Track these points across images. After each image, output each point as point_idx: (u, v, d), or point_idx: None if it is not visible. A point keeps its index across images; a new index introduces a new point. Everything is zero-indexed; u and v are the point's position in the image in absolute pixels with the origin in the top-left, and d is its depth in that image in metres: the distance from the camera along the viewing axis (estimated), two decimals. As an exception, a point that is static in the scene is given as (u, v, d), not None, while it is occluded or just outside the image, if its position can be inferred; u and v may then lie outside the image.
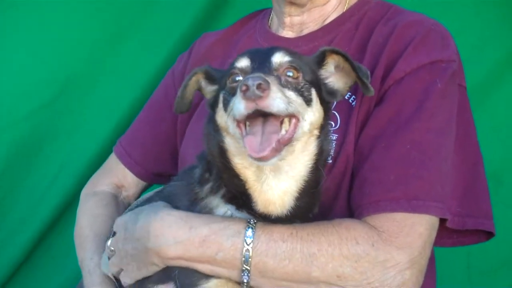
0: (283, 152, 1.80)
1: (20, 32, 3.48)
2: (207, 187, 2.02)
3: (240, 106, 1.75)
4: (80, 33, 3.53)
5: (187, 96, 2.09)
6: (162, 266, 1.98)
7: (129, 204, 2.63)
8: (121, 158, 2.70)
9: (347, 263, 1.88)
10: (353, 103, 2.14)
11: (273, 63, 1.90)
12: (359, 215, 1.99)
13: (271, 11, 2.61)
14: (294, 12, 2.43)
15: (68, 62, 3.54)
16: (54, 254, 3.67)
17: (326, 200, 2.09)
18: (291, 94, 1.84)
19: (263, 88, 1.70)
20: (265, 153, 1.73)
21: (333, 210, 2.11)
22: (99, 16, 3.53)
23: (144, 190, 2.76)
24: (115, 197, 2.66)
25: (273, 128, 1.78)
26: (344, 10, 2.42)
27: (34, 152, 3.60)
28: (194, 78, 2.08)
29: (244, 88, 1.70)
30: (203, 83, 2.11)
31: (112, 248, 2.13)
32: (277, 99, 1.74)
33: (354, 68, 1.96)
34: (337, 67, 2.04)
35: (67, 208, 3.60)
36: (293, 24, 2.45)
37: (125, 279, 2.09)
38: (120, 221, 2.15)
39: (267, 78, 1.73)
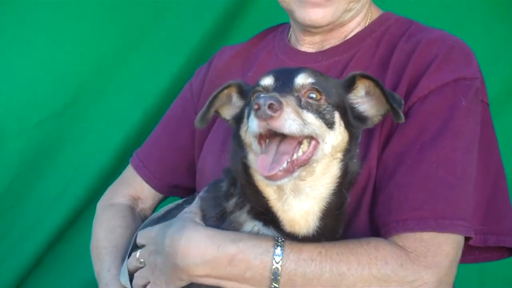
0: (297, 174, 1.84)
1: (31, 42, 3.50)
2: (232, 201, 2.05)
3: (253, 124, 1.80)
4: (91, 43, 3.55)
5: (214, 109, 2.11)
6: (189, 282, 2.01)
7: (145, 217, 2.66)
8: (138, 170, 2.73)
9: (376, 283, 1.92)
10: (372, 125, 2.15)
11: (296, 84, 1.94)
12: (386, 233, 2.02)
13: (289, 26, 2.64)
14: (313, 35, 2.46)
15: (79, 71, 3.56)
16: (63, 263, 3.69)
17: (347, 214, 2.12)
18: (309, 116, 1.88)
19: (274, 108, 1.74)
20: (273, 172, 1.77)
21: (353, 225, 2.14)
22: (110, 26, 3.55)
23: (160, 202, 2.79)
24: (132, 209, 2.69)
25: (287, 148, 1.83)
26: (365, 26, 2.46)
27: (44, 161, 3.62)
28: (226, 91, 2.12)
29: (256, 107, 1.75)
30: (235, 96, 2.14)
31: (142, 260, 2.15)
32: (289, 120, 1.78)
33: (384, 94, 1.99)
34: (367, 92, 2.08)
35: (77, 217, 3.62)
36: (314, 42, 2.49)
37: None
38: (149, 233, 2.17)
39: (281, 99, 1.77)
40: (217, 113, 2.15)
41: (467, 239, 2.09)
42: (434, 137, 2.06)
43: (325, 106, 1.94)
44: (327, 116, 1.93)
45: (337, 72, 2.35)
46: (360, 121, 2.06)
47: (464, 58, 2.21)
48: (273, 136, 1.83)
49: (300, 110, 1.85)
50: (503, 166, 2.29)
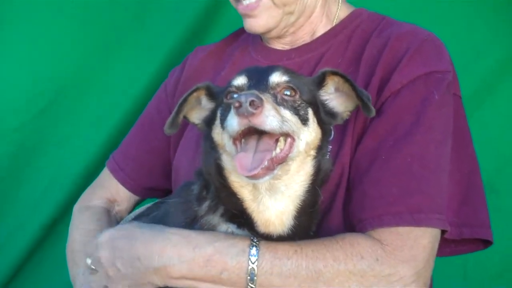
0: (277, 171, 1.85)
1: (9, 44, 3.52)
2: (205, 205, 2.05)
3: (233, 122, 1.79)
4: (70, 45, 3.56)
5: (183, 114, 2.10)
6: (159, 285, 2.00)
7: (121, 219, 2.66)
8: (114, 173, 2.73)
9: (353, 278, 1.93)
10: (341, 121, 2.16)
11: (270, 82, 1.95)
12: (362, 229, 2.03)
13: None
14: (278, 38, 2.50)
15: (58, 74, 3.57)
16: (45, 267, 3.70)
17: (320, 211, 2.13)
18: (286, 113, 1.89)
19: (256, 105, 1.75)
20: (256, 171, 1.77)
21: (327, 222, 2.15)
22: (90, 27, 3.57)
23: (136, 204, 2.79)
24: (108, 211, 2.69)
25: (267, 146, 1.83)
26: (334, 23, 2.48)
27: (24, 164, 3.64)
28: (195, 94, 2.12)
29: (237, 104, 1.75)
30: (204, 99, 2.14)
31: (93, 267, 2.12)
32: (270, 117, 1.78)
33: (354, 89, 2.00)
34: (337, 89, 2.09)
35: (58, 220, 3.63)
36: (283, 43, 2.52)
37: None
38: (104, 238, 2.12)
39: (261, 96, 1.78)
40: (185, 118, 2.14)
41: (443, 232, 2.10)
42: (407, 131, 2.08)
43: (299, 103, 1.96)
44: (302, 113, 1.95)
45: (310, 68, 2.36)
46: (331, 117, 2.08)
47: (435, 51, 2.22)
48: (249, 134, 1.84)
49: (277, 107, 1.86)
50: (476, 158, 2.30)
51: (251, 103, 1.74)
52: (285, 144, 1.87)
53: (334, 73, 2.06)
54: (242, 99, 1.75)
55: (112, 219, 2.66)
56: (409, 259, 1.96)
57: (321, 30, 2.48)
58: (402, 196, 2.01)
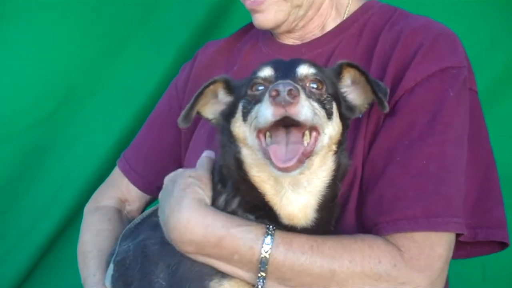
0: (306, 164, 1.83)
1: (19, 44, 3.53)
2: (222, 199, 2.04)
3: (267, 112, 1.76)
4: (79, 44, 3.57)
5: (198, 107, 2.07)
6: None
7: (133, 218, 2.64)
8: (125, 172, 2.72)
9: (367, 281, 1.90)
10: (360, 114, 2.15)
11: (298, 74, 1.93)
12: (377, 232, 2.00)
13: None
14: (288, 33, 2.48)
15: (68, 74, 3.58)
16: (58, 269, 3.71)
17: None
18: (315, 105, 1.87)
19: (293, 94, 1.72)
20: (292, 163, 1.75)
21: (341, 223, 2.12)
22: (99, 26, 3.57)
23: (148, 204, 2.78)
24: (119, 211, 2.68)
25: (297, 139, 1.81)
26: (345, 17, 2.45)
27: (35, 166, 3.65)
28: (211, 87, 2.08)
29: (274, 93, 1.72)
30: (221, 92, 2.11)
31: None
32: (305, 107, 1.77)
33: (369, 82, 1.98)
34: (353, 81, 2.07)
35: (70, 222, 3.64)
36: (294, 36, 2.49)
37: None
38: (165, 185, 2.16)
39: (297, 86, 1.77)
40: (198, 113, 2.11)
41: (457, 234, 2.06)
42: (423, 131, 2.04)
43: (325, 96, 1.94)
44: (327, 107, 1.93)
45: (321, 63, 2.31)
46: (350, 111, 2.05)
47: (449, 46, 2.18)
48: (275, 127, 1.82)
49: (308, 98, 1.85)
50: (493, 155, 2.26)
51: (289, 92, 1.72)
52: (310, 138, 1.85)
53: (351, 65, 2.04)
54: (280, 87, 1.72)
55: (123, 219, 2.66)
56: (425, 268, 1.93)
57: (331, 24, 2.45)
58: (419, 199, 1.98)
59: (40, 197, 3.66)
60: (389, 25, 2.30)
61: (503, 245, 2.24)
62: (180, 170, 2.17)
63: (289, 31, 2.47)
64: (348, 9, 2.46)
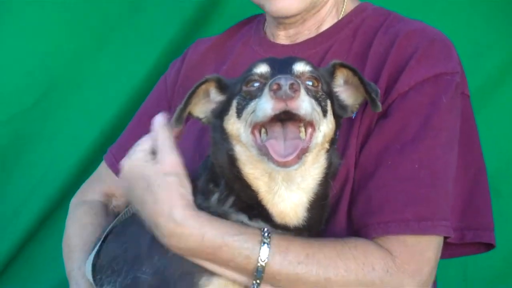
0: (303, 160, 1.87)
1: (-1, 35, 3.52)
2: (214, 198, 2.07)
3: (266, 106, 1.80)
4: (63, 35, 3.55)
5: (190, 106, 2.09)
6: None
7: (119, 213, 2.68)
8: (112, 167, 2.75)
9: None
10: (353, 115, 2.21)
11: (295, 71, 1.98)
12: (366, 234, 2.06)
13: (265, 18, 2.67)
14: (288, 27, 2.51)
15: (50, 65, 3.56)
16: (36, 263, 3.69)
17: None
18: (313, 101, 1.91)
19: (295, 88, 1.76)
20: (292, 157, 1.80)
21: (332, 224, 2.17)
22: (84, 17, 3.54)
23: (134, 199, 2.81)
24: (105, 206, 2.72)
25: (294, 134, 1.86)
26: (340, 17, 2.50)
27: (14, 159, 3.63)
28: (203, 86, 2.11)
29: (275, 87, 1.76)
30: (213, 91, 2.14)
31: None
32: (306, 102, 1.82)
33: (362, 82, 2.04)
34: (346, 81, 2.13)
35: (49, 217, 3.63)
36: (288, 35, 2.53)
37: None
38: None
39: (298, 80, 1.81)
40: (188, 114, 2.13)
41: (445, 237, 2.13)
42: (414, 136, 2.10)
43: (321, 94, 1.99)
44: (323, 104, 1.98)
45: (315, 64, 2.38)
46: (342, 110, 2.11)
47: (444, 52, 2.25)
48: (271, 123, 1.85)
49: (307, 95, 1.89)
50: (483, 160, 2.33)
51: (291, 86, 1.76)
52: (306, 134, 1.90)
53: (343, 66, 2.10)
54: (282, 81, 1.75)
55: (109, 213, 2.69)
56: (415, 273, 2.00)
57: (328, 22, 2.50)
58: (409, 203, 2.04)
59: (19, 192, 3.64)
60: (384, 27, 2.36)
61: (488, 246, 2.32)
62: (139, 155, 2.09)
63: (285, 28, 2.49)
64: (343, 9, 2.52)
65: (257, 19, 2.77)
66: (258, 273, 1.94)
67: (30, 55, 3.54)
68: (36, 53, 3.54)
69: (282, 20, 2.47)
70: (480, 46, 3.38)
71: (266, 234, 1.96)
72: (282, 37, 2.55)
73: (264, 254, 1.93)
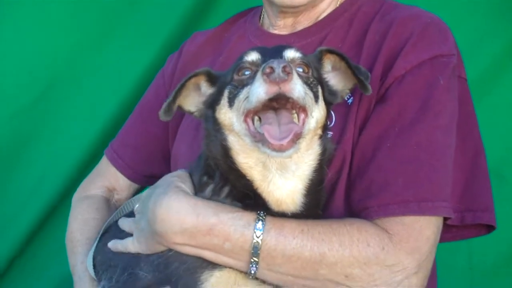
0: (298, 145, 1.89)
1: (0, 32, 3.56)
2: (208, 190, 2.10)
3: (260, 90, 1.83)
4: (64, 32, 3.60)
5: (179, 100, 2.12)
6: (168, 248, 2.07)
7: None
8: (113, 161, 2.79)
9: (356, 264, 1.98)
10: (349, 101, 2.23)
11: (286, 57, 2.00)
12: (367, 216, 2.08)
13: (262, 9, 2.70)
14: (288, 16, 2.52)
15: (50, 63, 3.61)
16: (40, 259, 3.76)
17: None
18: (305, 87, 1.94)
19: (287, 71, 1.79)
20: (287, 140, 1.82)
21: (329, 209, 2.19)
22: (84, 14, 3.60)
23: (136, 192, 2.85)
24: (107, 200, 2.76)
25: (288, 120, 1.88)
26: (337, 6, 2.51)
27: (15, 157, 3.68)
28: (193, 80, 2.14)
29: (268, 70, 1.79)
30: (204, 85, 2.17)
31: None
32: (298, 85, 1.84)
33: (350, 66, 2.06)
34: (334, 67, 2.16)
35: (51, 214, 3.69)
36: (286, 25, 2.55)
37: (131, 246, 2.16)
38: (145, 192, 2.26)
39: (290, 64, 1.83)
40: (179, 108, 2.16)
41: (445, 218, 2.15)
42: (413, 118, 2.12)
43: (311, 80, 2.02)
44: (314, 90, 2.01)
45: (310, 53, 2.40)
46: (332, 96, 2.14)
47: (439, 34, 2.26)
48: (264, 110, 1.88)
49: (299, 79, 1.91)
50: (482, 142, 2.35)
51: (284, 69, 1.78)
52: (298, 120, 1.92)
53: (330, 51, 2.13)
54: (275, 64, 1.78)
55: (111, 208, 2.73)
56: (413, 250, 2.01)
57: (327, 12, 2.51)
58: (409, 185, 2.06)
59: (22, 188, 3.69)
60: (380, 15, 2.38)
61: (490, 228, 2.33)
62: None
63: (294, 14, 2.49)
64: None
65: (253, 12, 2.79)
66: (254, 250, 1.96)
67: (29, 54, 3.59)
68: (35, 51, 3.60)
69: (287, 10, 2.48)
70: (481, 33, 3.40)
71: (261, 212, 2.00)
72: (281, 27, 2.57)
73: (259, 229, 1.96)
